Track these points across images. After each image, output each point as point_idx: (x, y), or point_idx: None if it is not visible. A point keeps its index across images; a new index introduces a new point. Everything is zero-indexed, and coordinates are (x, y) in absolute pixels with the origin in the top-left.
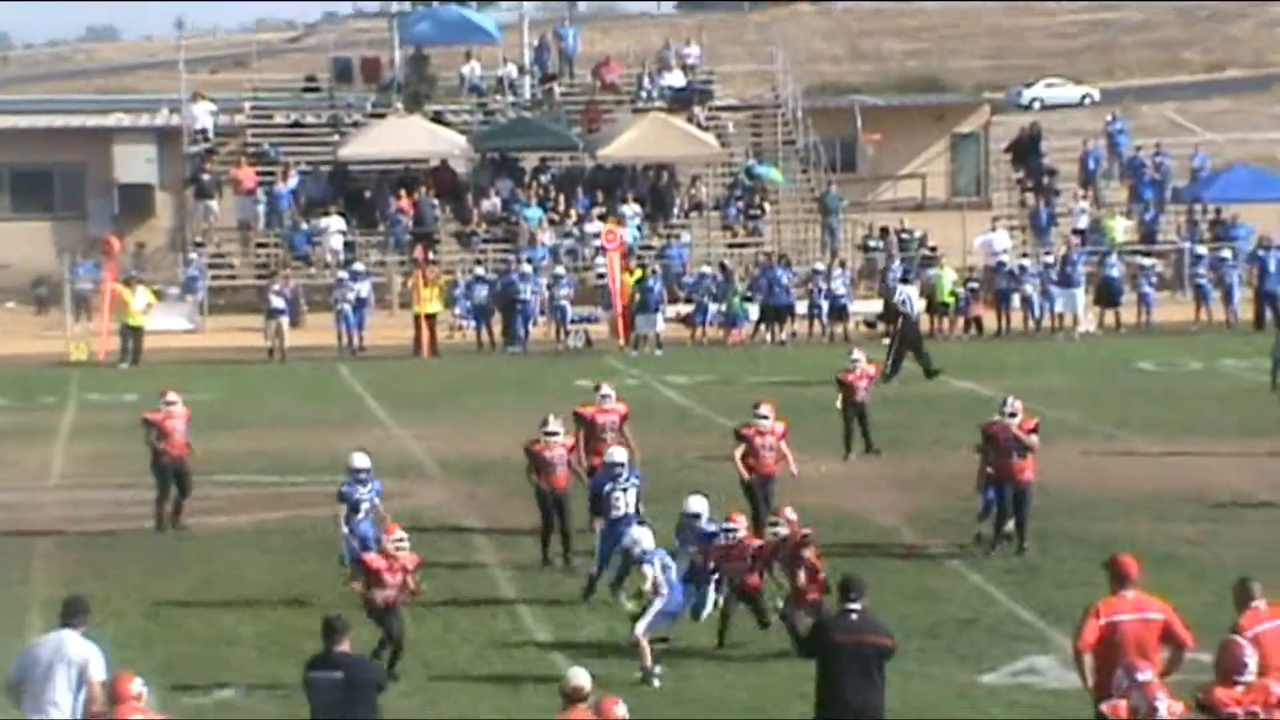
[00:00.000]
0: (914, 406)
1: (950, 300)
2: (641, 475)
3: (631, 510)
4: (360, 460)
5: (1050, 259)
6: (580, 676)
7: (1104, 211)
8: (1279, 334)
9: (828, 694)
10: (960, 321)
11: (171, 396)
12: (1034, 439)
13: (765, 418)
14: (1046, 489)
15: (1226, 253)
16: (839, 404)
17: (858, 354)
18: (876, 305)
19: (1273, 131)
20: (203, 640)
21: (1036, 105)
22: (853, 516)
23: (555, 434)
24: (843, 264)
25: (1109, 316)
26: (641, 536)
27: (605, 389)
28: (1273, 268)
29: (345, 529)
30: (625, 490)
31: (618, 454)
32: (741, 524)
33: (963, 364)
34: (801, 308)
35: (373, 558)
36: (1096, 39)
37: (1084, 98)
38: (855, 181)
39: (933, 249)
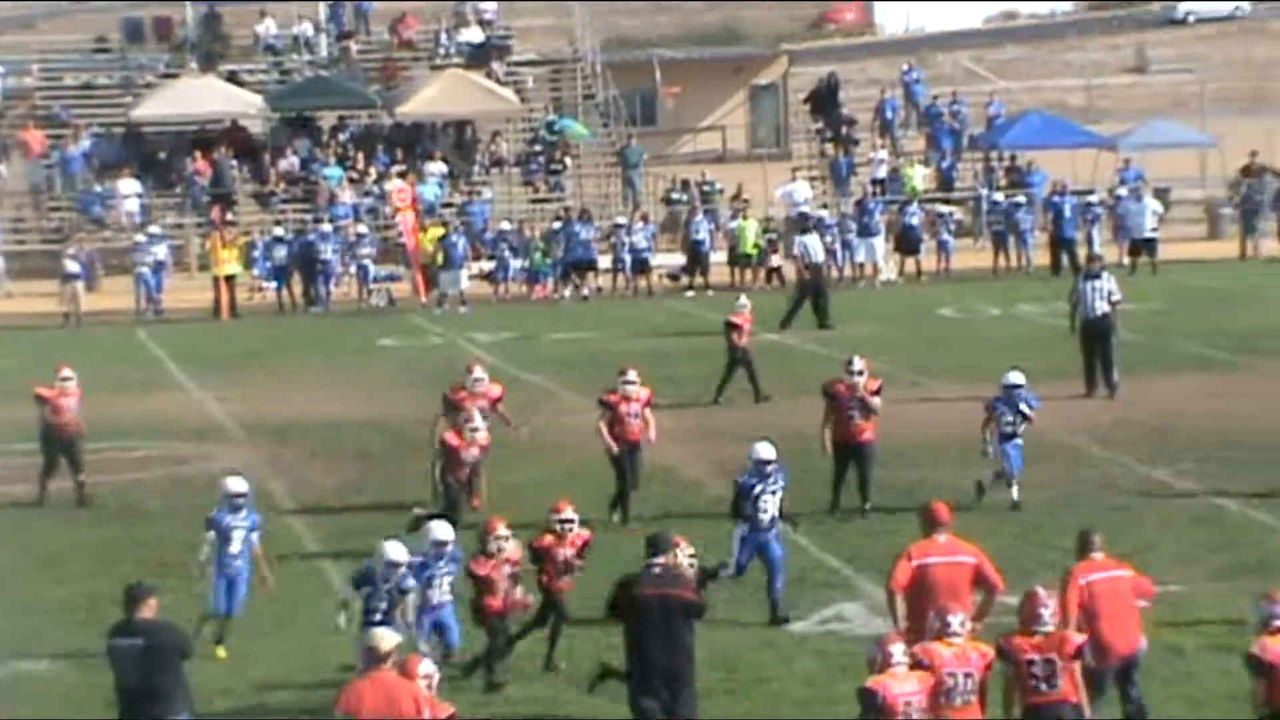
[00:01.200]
0: (721, 357)
1: (753, 251)
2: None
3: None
4: (236, 484)
5: (846, 209)
6: (380, 638)
7: (902, 160)
8: (1075, 279)
9: (634, 651)
10: (761, 272)
11: (67, 372)
12: (877, 400)
13: (633, 383)
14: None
15: (1022, 199)
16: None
17: (744, 299)
18: (680, 258)
19: (1065, 78)
20: (2, 611)
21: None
22: (661, 470)
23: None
24: (645, 218)
25: (909, 264)
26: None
27: (478, 371)
28: (1067, 213)
29: (210, 567)
30: (775, 493)
31: (765, 450)
32: (569, 512)
33: (765, 315)
34: (604, 262)
35: (480, 561)
36: None
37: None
38: (656, 135)
39: (745, 201)
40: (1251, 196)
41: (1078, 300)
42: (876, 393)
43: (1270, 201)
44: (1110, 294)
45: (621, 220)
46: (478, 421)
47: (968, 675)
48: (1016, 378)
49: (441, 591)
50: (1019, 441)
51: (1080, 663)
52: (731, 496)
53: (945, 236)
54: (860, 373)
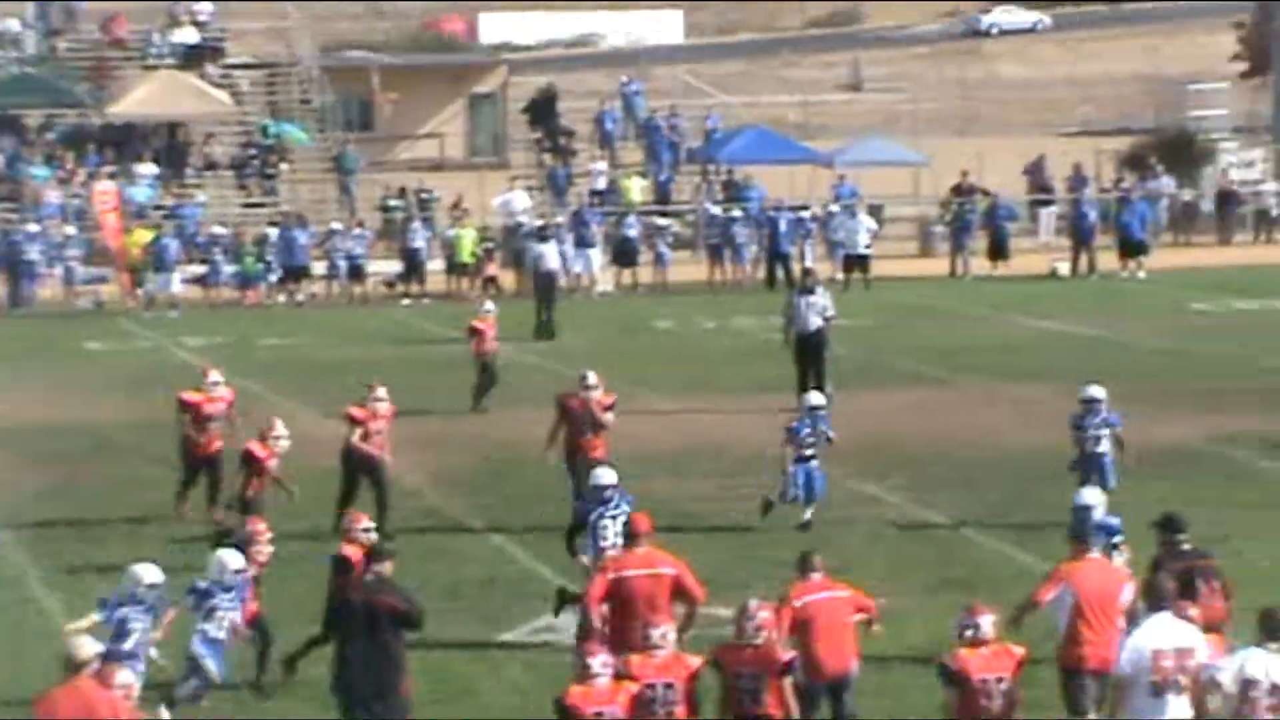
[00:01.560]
0: (437, 366)
1: (471, 260)
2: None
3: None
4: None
5: (561, 220)
6: (78, 646)
7: (621, 172)
8: (789, 293)
9: (339, 658)
10: (479, 282)
11: (215, 376)
12: (610, 416)
13: (382, 400)
14: None
15: (738, 213)
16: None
17: (490, 304)
18: (396, 265)
19: (782, 94)
20: None
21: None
22: None
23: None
24: (361, 224)
25: (626, 276)
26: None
27: (214, 375)
28: (783, 228)
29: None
30: (615, 518)
31: (605, 476)
32: (262, 526)
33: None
34: (320, 268)
35: None
36: None
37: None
38: (373, 141)
39: (465, 209)
40: (962, 215)
41: (792, 314)
42: (609, 408)
43: (980, 220)
44: (824, 309)
45: (337, 226)
46: (280, 429)
47: (668, 686)
48: (818, 399)
49: (221, 626)
50: (815, 464)
51: (790, 679)
52: (569, 525)
53: (662, 249)
54: (594, 387)
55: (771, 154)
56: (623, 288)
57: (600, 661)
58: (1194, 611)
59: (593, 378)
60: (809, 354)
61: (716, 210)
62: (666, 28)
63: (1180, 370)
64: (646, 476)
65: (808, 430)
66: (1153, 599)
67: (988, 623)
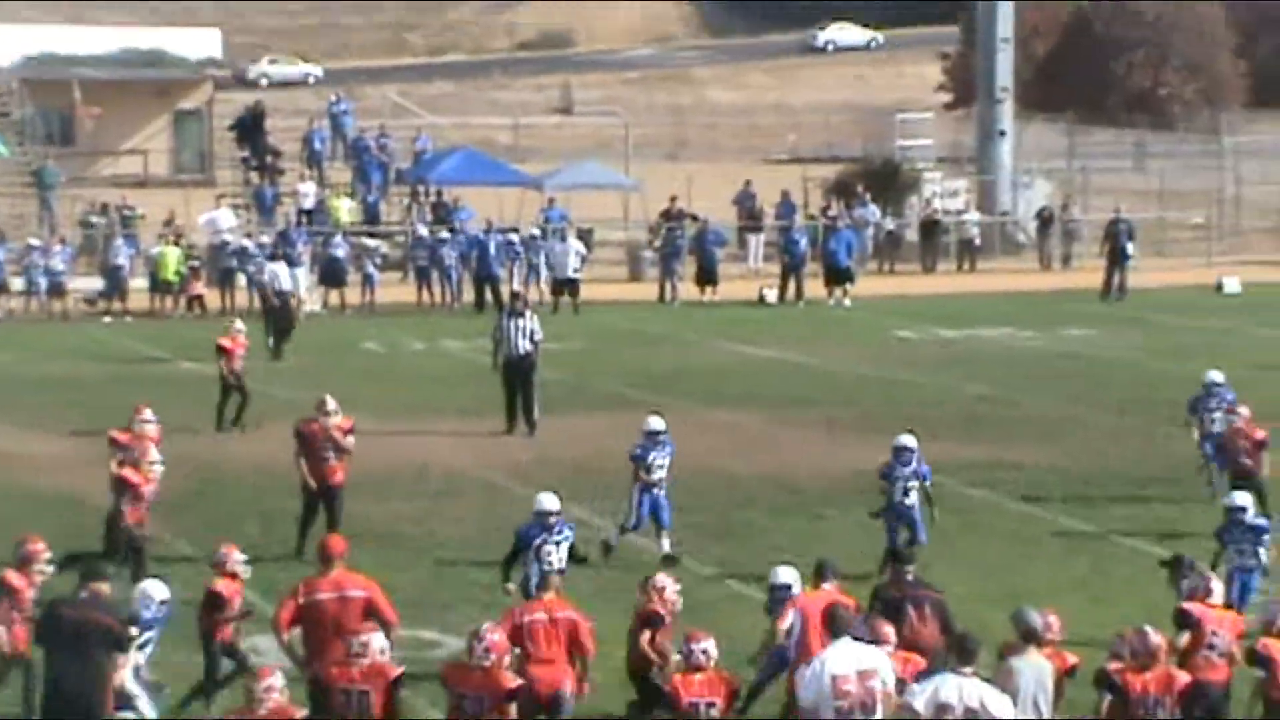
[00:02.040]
0: (141, 384)
1: (175, 278)
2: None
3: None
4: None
5: (265, 239)
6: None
7: (329, 192)
8: (499, 316)
9: (48, 677)
10: (183, 300)
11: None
12: (350, 440)
13: (149, 422)
14: (273, 468)
15: (447, 235)
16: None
17: (239, 323)
18: (97, 282)
19: (492, 116)
20: None
21: (264, 82)
22: (71, 497)
23: (334, 413)
24: (62, 240)
25: (334, 296)
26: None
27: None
28: (492, 251)
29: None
30: (558, 544)
31: (548, 501)
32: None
33: (186, 344)
34: (18, 284)
35: None
36: (321, 19)
37: (308, 76)
38: (74, 156)
39: (179, 225)
40: (671, 240)
41: (500, 337)
42: (349, 432)
43: (689, 246)
44: (532, 332)
45: (36, 242)
46: (154, 455)
47: (364, 693)
48: (657, 423)
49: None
50: (660, 492)
51: (515, 704)
52: (510, 548)
53: (370, 270)
54: (334, 412)
55: (481, 176)
56: (330, 308)
57: (264, 686)
58: (888, 631)
59: (332, 403)
60: (517, 377)
61: (425, 232)
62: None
63: (884, 397)
64: (352, 497)
65: (653, 455)
66: (833, 626)
67: (709, 647)
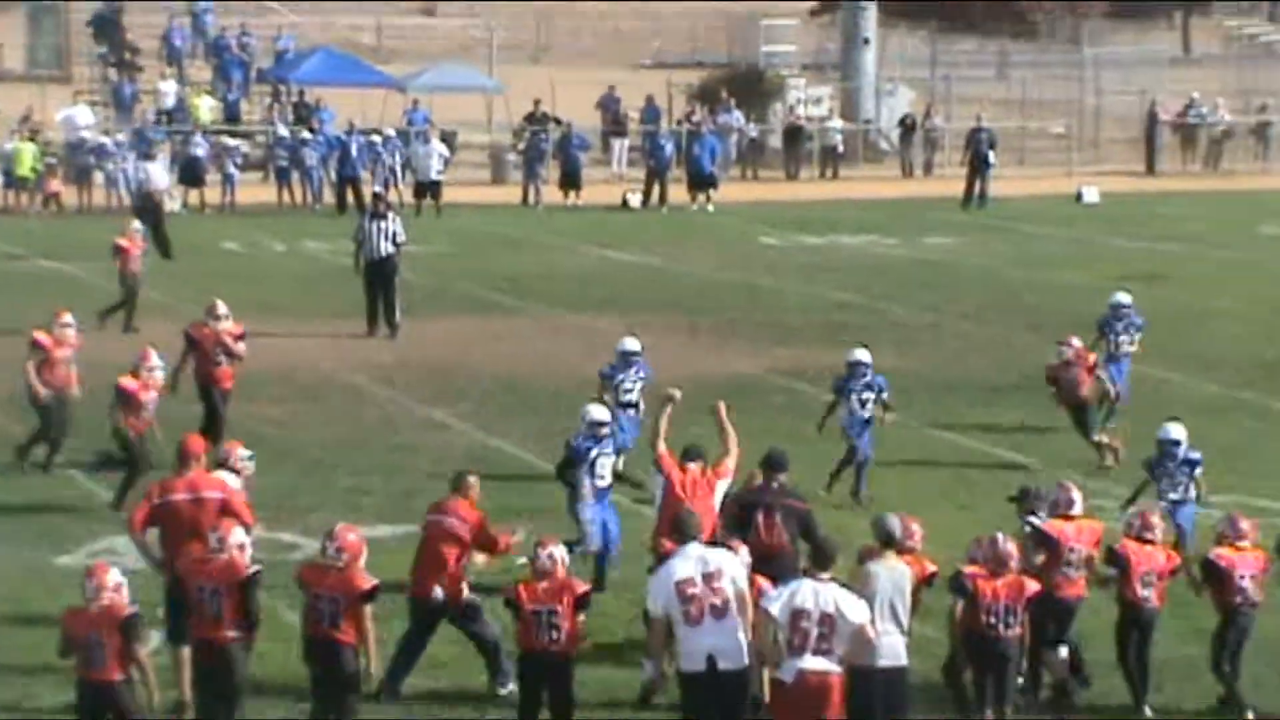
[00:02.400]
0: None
1: (31, 176)
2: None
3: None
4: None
5: (122, 137)
6: None
7: (189, 90)
8: (361, 218)
9: None
10: (39, 198)
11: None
12: (241, 346)
13: (69, 326)
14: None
15: (308, 135)
16: None
17: (137, 223)
18: None
19: (357, 16)
20: None
21: None
22: None
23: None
24: None
25: (193, 196)
26: None
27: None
28: (354, 152)
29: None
30: (609, 455)
31: (598, 412)
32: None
33: (45, 242)
34: None
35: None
36: None
37: None
38: None
39: (37, 121)
40: (535, 144)
41: (362, 239)
42: (240, 338)
43: (553, 150)
44: (395, 235)
45: None
46: (154, 360)
47: (215, 591)
48: (633, 344)
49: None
50: (632, 412)
51: (370, 605)
52: (561, 460)
53: (231, 170)
54: (224, 317)
55: (343, 76)
56: (190, 207)
57: (94, 585)
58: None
59: (223, 308)
60: (379, 280)
61: (285, 132)
62: None
63: (747, 303)
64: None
65: (621, 377)
66: (678, 531)
67: (556, 552)
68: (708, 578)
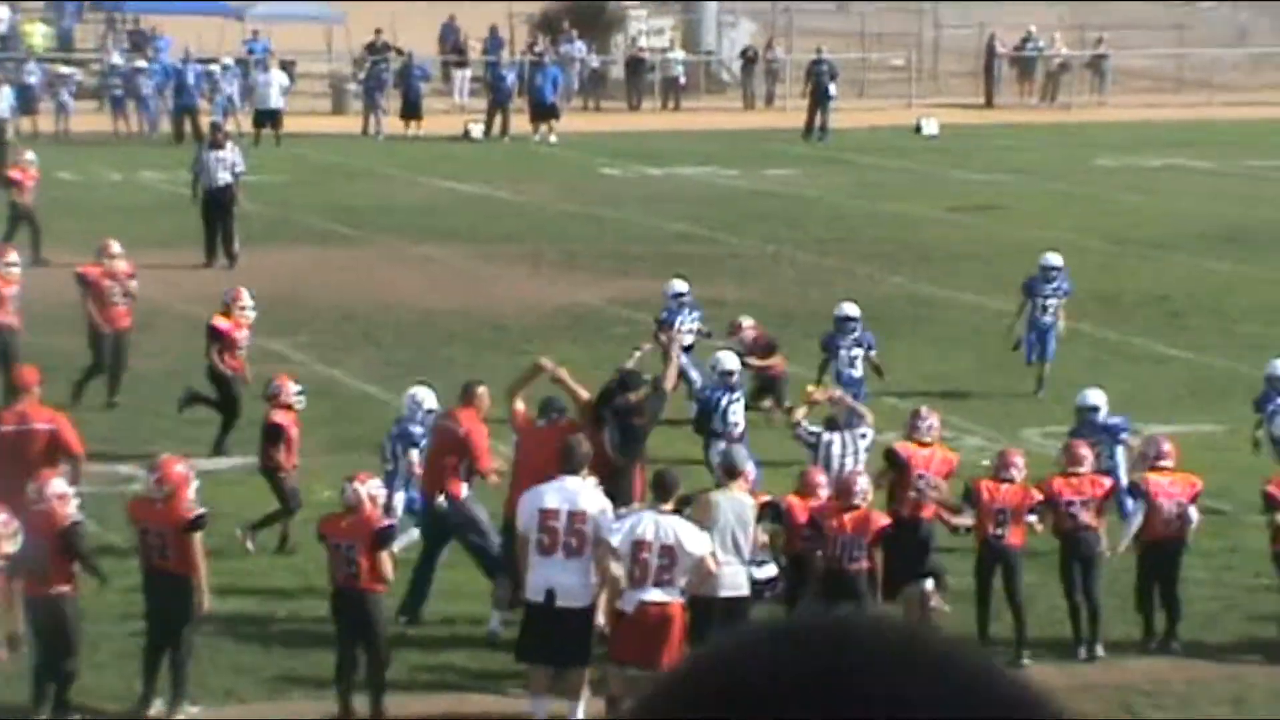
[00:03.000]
0: None
1: None
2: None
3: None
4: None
5: None
6: None
7: (21, 17)
8: (198, 148)
9: None
10: None
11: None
12: (134, 284)
13: (118, 256)
14: None
15: (144, 63)
16: None
17: (30, 153)
18: None
19: None
20: None
21: None
22: None
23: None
24: None
25: (26, 124)
26: None
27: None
28: (191, 80)
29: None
30: (737, 401)
31: (729, 360)
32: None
33: None
34: None
35: None
36: None
37: None
38: None
39: None
40: (375, 74)
41: (199, 169)
42: (132, 276)
43: (393, 80)
44: (233, 165)
45: None
46: (246, 299)
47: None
48: (681, 285)
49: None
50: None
51: (197, 534)
52: (696, 413)
53: (65, 98)
54: (118, 256)
55: (180, 4)
56: (23, 136)
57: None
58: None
59: (116, 246)
60: (217, 210)
61: (121, 60)
62: None
63: (588, 234)
64: (50, 331)
65: (680, 319)
66: (564, 463)
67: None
68: (573, 515)
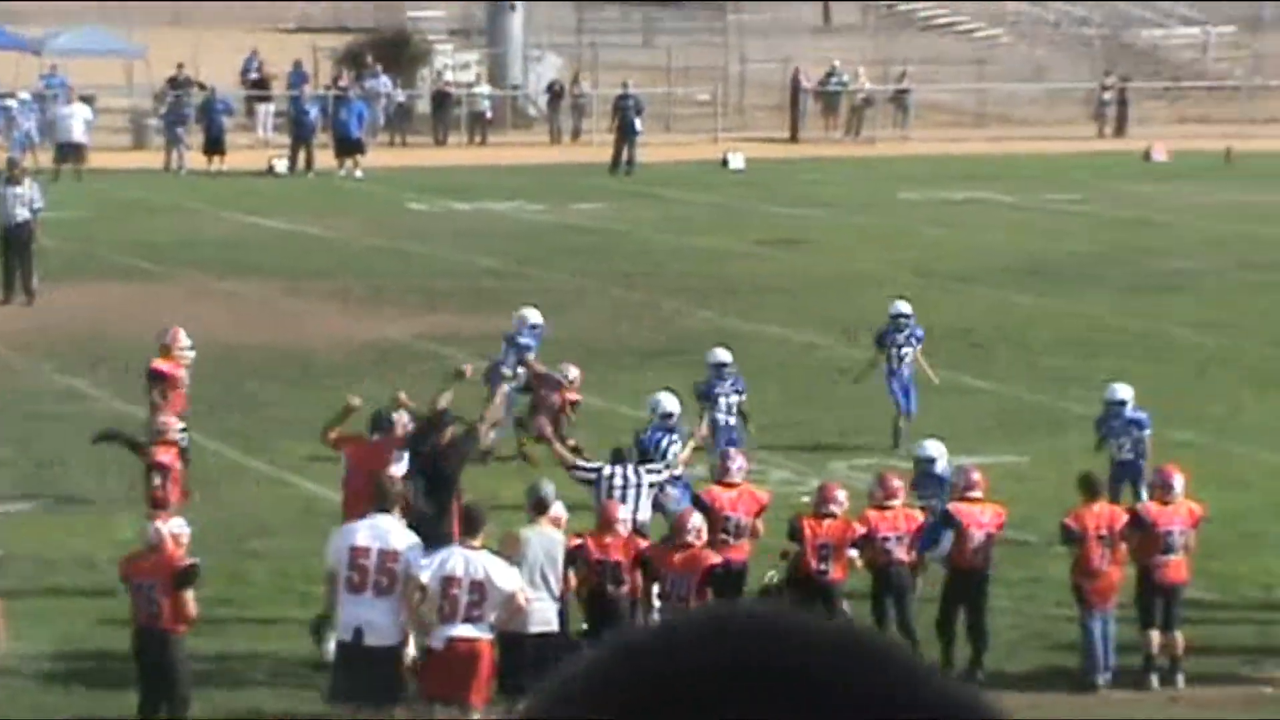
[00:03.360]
0: None
1: None
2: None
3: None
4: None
5: None
6: None
7: None
8: None
9: None
10: None
11: None
12: None
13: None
14: None
15: None
16: None
17: None
18: None
19: None
20: None
21: None
22: None
23: None
24: None
25: None
26: None
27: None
28: None
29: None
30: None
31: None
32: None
33: None
34: None
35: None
36: None
37: None
38: None
39: None
40: (177, 108)
41: None
42: None
43: (196, 114)
44: (31, 201)
45: None
46: (184, 339)
47: None
48: (724, 355)
49: None
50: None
51: None
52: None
53: None
54: None
55: None
56: None
57: None
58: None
59: None
60: (16, 247)
61: None
62: None
63: (395, 269)
64: None
65: (719, 389)
66: (376, 500)
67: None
68: (384, 555)
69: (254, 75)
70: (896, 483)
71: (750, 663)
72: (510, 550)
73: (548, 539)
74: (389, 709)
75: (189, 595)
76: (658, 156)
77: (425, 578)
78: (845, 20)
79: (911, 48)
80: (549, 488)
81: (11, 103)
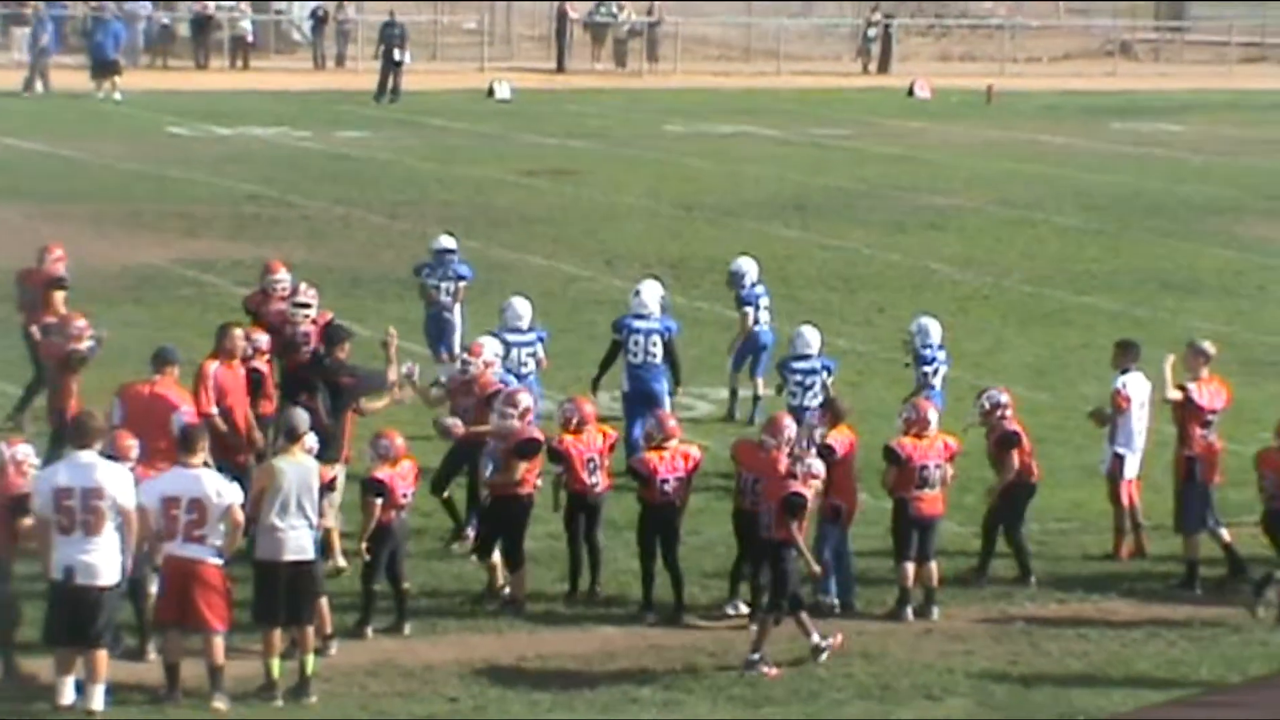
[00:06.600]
0: None
1: None
2: None
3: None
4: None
5: None
6: None
7: None
8: None
9: None
10: None
11: None
12: None
13: None
14: None
15: None
16: None
17: None
18: None
19: None
20: None
21: None
22: None
23: None
24: None
25: None
26: None
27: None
28: None
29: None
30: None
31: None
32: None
33: None
34: None
35: None
36: None
37: None
38: None
39: None
40: None
41: None
42: None
43: None
44: None
45: None
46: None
47: None
48: (448, 242)
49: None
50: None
51: None
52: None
53: None
54: None
55: None
56: None
57: None
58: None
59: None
60: None
61: None
62: None
63: (154, 194)
64: None
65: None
66: (76, 438)
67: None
68: (88, 492)
69: None
70: (671, 422)
71: None
72: (263, 480)
73: (303, 469)
74: (100, 651)
75: (26, 521)
76: (423, 84)
77: (144, 498)
78: None
79: None
80: (300, 415)
81: None
